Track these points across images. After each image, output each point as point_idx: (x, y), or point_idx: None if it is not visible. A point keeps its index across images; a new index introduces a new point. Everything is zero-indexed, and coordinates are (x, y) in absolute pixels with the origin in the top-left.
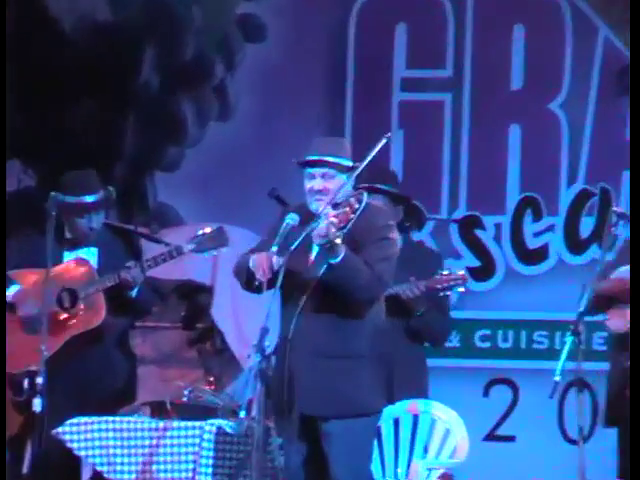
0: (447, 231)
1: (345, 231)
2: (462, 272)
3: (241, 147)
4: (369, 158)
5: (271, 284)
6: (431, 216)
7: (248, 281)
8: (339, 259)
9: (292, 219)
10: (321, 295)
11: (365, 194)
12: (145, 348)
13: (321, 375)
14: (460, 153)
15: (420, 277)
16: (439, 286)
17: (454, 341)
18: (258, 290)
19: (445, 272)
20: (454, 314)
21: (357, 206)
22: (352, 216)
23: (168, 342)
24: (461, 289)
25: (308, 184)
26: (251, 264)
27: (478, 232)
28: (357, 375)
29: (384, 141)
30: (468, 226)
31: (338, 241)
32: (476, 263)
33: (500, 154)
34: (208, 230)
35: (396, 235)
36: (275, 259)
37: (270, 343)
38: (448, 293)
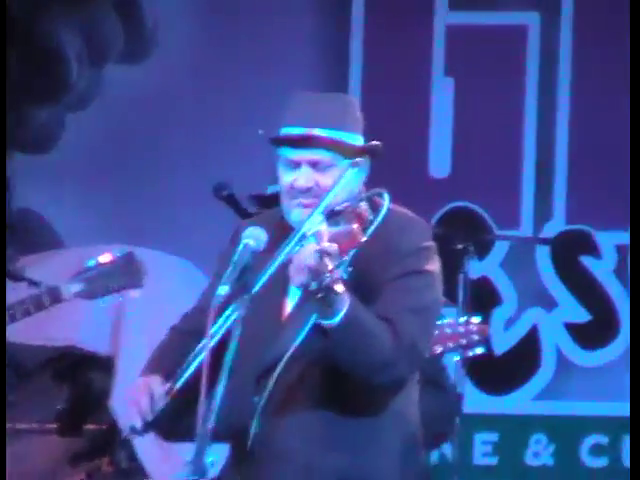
0: (531, 259)
1: (348, 263)
2: (477, 321)
3: (165, 108)
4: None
5: (156, 425)
6: (503, 234)
7: None
8: (337, 319)
9: (253, 239)
10: (300, 378)
11: (387, 196)
12: None
13: None
14: (553, 121)
15: None
16: (439, 348)
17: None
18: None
19: (446, 322)
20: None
21: (371, 217)
22: (362, 239)
23: (34, 458)
24: (479, 351)
25: (286, 177)
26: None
27: (587, 260)
28: None
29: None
30: (569, 250)
31: (337, 287)
32: (584, 316)
33: (621, 123)
34: (107, 259)
35: (437, 266)
36: (159, 390)
37: (215, 459)
38: (456, 359)
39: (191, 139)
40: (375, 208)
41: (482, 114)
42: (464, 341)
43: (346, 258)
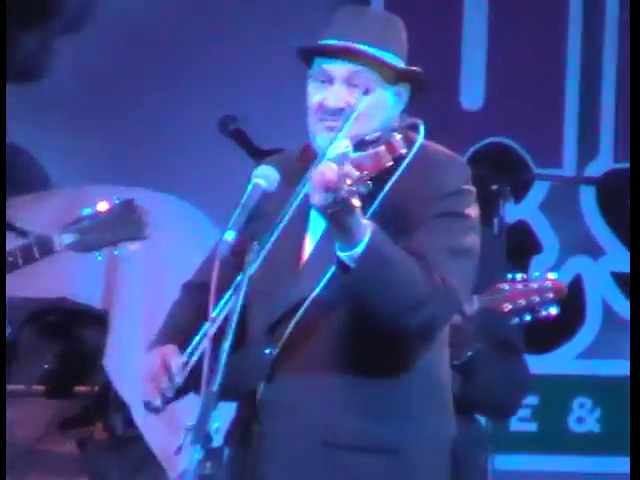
0: (574, 202)
1: (372, 190)
2: (554, 277)
3: (168, 34)
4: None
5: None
6: (542, 173)
7: None
8: (360, 248)
9: (264, 178)
10: (320, 328)
11: (422, 127)
12: None
13: None
14: (599, 47)
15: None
16: (508, 305)
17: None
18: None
19: (519, 277)
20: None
21: (403, 149)
22: (388, 163)
23: (20, 423)
24: (553, 311)
25: (315, 96)
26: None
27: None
28: None
29: None
30: (616, 191)
31: (353, 201)
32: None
33: None
34: (104, 207)
35: (477, 212)
36: (177, 362)
37: (220, 424)
38: (528, 319)
39: (196, 70)
40: (409, 141)
41: (519, 38)
42: (537, 299)
43: (367, 176)
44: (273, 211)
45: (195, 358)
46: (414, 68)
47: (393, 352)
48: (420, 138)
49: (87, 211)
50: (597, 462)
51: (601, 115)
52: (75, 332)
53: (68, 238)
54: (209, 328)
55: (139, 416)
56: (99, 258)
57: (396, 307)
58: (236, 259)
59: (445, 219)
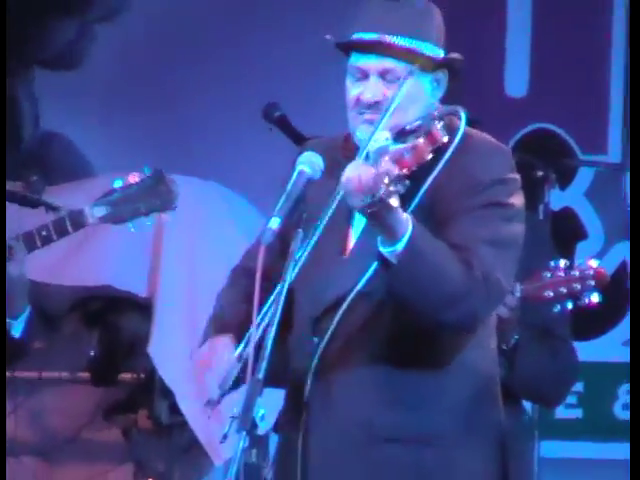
0: (619, 188)
1: (415, 182)
2: (596, 264)
3: (203, 19)
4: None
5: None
6: (588, 159)
7: None
8: (401, 245)
9: (309, 165)
10: (365, 320)
11: (464, 114)
12: (19, 423)
13: (373, 475)
14: None
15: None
16: (549, 293)
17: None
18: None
19: (562, 264)
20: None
21: (445, 138)
22: (427, 156)
23: (64, 411)
24: (594, 299)
25: (352, 90)
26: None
27: None
28: (445, 475)
29: None
30: None
31: (391, 201)
32: None
33: None
34: (134, 179)
35: (521, 200)
36: (232, 355)
37: (266, 412)
38: (570, 307)
39: (234, 56)
40: (451, 129)
41: (564, 24)
42: (579, 286)
43: (405, 172)
44: (317, 199)
45: (249, 349)
46: (451, 55)
47: (436, 345)
48: (462, 125)
49: (118, 183)
50: None
51: None
52: (120, 319)
53: (100, 211)
54: (256, 316)
55: (184, 404)
56: (132, 229)
57: (436, 302)
58: (282, 246)
59: (488, 209)
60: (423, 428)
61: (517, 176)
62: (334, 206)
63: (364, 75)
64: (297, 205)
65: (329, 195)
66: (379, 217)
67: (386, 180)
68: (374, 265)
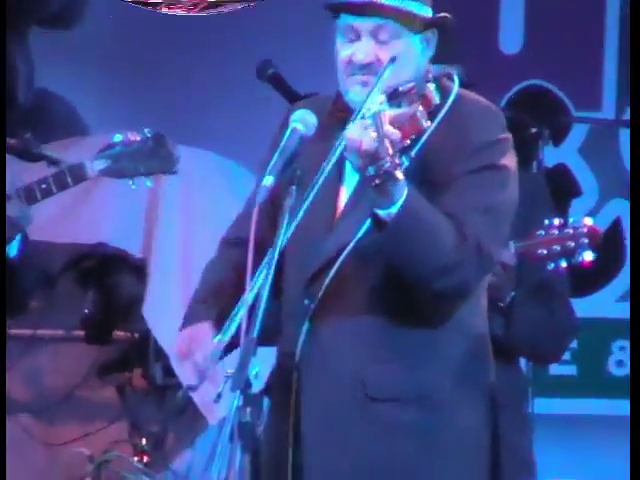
0: (614, 145)
1: (412, 154)
2: (590, 222)
3: None
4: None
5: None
6: (581, 116)
7: None
8: (395, 208)
9: (302, 122)
10: (357, 282)
11: (457, 77)
12: (13, 381)
13: (367, 438)
14: None
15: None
16: (542, 251)
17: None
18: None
19: (556, 222)
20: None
21: (438, 101)
22: (426, 124)
23: (59, 368)
24: (588, 257)
25: (343, 51)
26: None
27: None
28: (438, 438)
29: None
30: None
31: (397, 174)
32: None
33: None
34: (135, 137)
35: (514, 160)
36: (210, 340)
37: (260, 371)
38: (564, 265)
39: (233, 17)
40: (444, 91)
41: None
42: (572, 244)
43: (408, 143)
44: (310, 158)
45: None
46: (441, 15)
47: (428, 305)
48: (455, 87)
49: (118, 137)
50: None
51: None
52: (114, 278)
53: (100, 164)
54: (250, 279)
55: (178, 365)
56: (133, 187)
57: (428, 270)
58: (274, 207)
59: (481, 173)
60: (419, 388)
61: (509, 135)
62: (329, 167)
63: (355, 36)
64: (290, 163)
65: (322, 154)
66: (382, 187)
67: (390, 150)
68: (366, 225)
